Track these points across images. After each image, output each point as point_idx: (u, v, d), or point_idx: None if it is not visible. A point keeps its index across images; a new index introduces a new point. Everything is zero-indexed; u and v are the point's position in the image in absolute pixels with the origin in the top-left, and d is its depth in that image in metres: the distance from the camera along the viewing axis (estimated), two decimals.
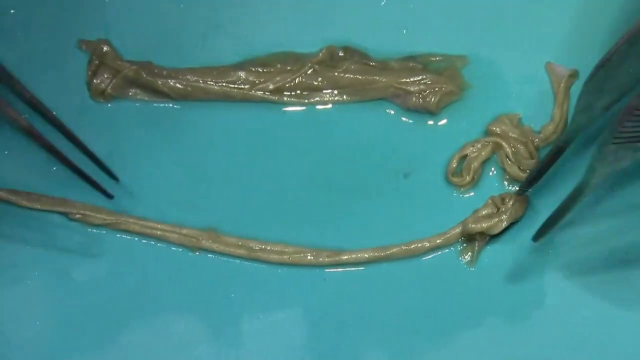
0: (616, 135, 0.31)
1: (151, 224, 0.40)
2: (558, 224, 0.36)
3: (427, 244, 0.39)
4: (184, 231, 0.40)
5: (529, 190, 0.38)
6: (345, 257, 0.39)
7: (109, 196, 0.40)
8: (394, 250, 0.39)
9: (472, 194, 0.40)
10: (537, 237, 0.36)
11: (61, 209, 0.40)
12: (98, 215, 0.40)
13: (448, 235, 0.39)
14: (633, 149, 0.32)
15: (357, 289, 0.39)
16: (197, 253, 0.39)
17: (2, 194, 0.40)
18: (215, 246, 0.39)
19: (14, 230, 0.40)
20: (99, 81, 0.41)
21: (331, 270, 0.39)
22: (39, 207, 0.40)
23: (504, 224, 0.38)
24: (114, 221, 0.40)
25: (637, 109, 0.29)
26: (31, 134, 0.37)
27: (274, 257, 0.39)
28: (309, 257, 0.39)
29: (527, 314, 0.38)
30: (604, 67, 0.31)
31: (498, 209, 0.38)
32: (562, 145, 0.36)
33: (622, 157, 0.32)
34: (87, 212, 0.40)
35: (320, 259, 0.39)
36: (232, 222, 0.40)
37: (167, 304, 0.38)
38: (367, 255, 0.39)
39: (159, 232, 0.39)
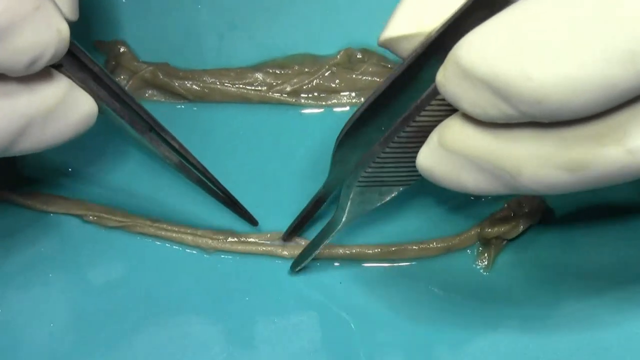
0: (360, 179, 0.32)
1: (166, 226, 0.40)
2: (312, 255, 0.37)
3: (442, 244, 0.39)
4: (200, 232, 0.39)
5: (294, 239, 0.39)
6: (357, 249, 0.39)
7: (255, 223, 0.40)
8: (409, 247, 0.39)
9: (489, 197, 0.39)
10: (294, 267, 0.38)
11: (77, 212, 0.40)
12: (114, 218, 0.40)
13: (463, 237, 0.39)
14: (378, 192, 0.33)
15: (372, 292, 0.38)
16: (213, 254, 0.39)
17: (17, 198, 0.40)
18: (233, 247, 0.39)
19: (29, 231, 0.40)
20: None
21: (346, 271, 0.39)
22: (54, 209, 0.40)
23: (521, 228, 0.38)
24: (130, 223, 0.39)
25: (379, 157, 0.31)
26: (182, 169, 0.37)
27: (286, 253, 0.39)
28: (326, 251, 0.39)
29: (545, 318, 0.37)
30: (355, 123, 0.33)
31: (514, 214, 0.38)
32: (321, 196, 0.37)
33: (369, 200, 0.34)
34: (103, 214, 0.40)
35: (334, 251, 0.39)
36: (248, 223, 0.40)
37: (182, 306, 0.38)
38: (378, 250, 0.39)
39: (174, 235, 0.39)
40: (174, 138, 0.37)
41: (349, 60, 0.41)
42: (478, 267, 0.38)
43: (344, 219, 0.35)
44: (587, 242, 0.38)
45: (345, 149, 0.34)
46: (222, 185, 0.39)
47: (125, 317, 0.38)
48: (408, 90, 0.30)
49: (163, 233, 0.39)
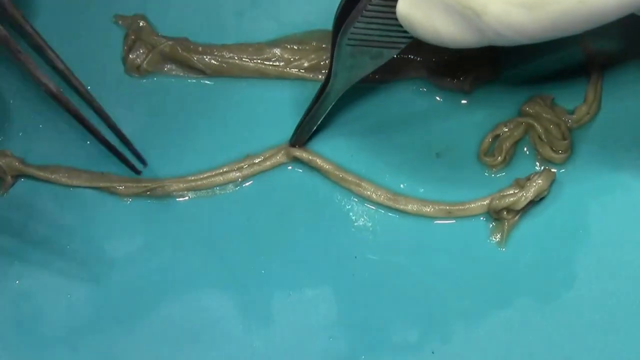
0: (349, 37, 0.33)
1: (193, 177, 0.40)
2: (309, 128, 0.39)
3: (452, 207, 0.39)
4: (225, 168, 0.40)
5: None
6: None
7: (137, 172, 0.40)
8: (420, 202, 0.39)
9: (503, 174, 0.40)
10: (292, 141, 0.40)
11: (102, 184, 0.40)
12: (140, 185, 0.40)
13: (473, 205, 0.39)
14: (369, 54, 0.34)
15: (385, 266, 0.38)
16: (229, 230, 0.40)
17: (41, 173, 0.40)
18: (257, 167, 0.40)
19: (47, 205, 0.40)
20: (134, 56, 0.42)
21: (359, 245, 0.39)
22: (78, 183, 0.40)
23: (529, 198, 0.38)
24: (157, 186, 0.40)
25: (366, 10, 0.32)
26: (59, 100, 0.36)
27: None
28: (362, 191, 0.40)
29: (560, 296, 0.37)
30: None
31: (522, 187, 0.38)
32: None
33: (360, 64, 0.35)
34: (129, 184, 0.40)
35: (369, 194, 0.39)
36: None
37: (199, 280, 0.38)
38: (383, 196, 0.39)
39: (203, 182, 0.40)
40: (57, 58, 0.37)
41: None
42: (493, 242, 0.39)
43: (336, 85, 0.36)
44: (601, 220, 0.39)
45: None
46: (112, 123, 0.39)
47: (143, 289, 0.38)
48: None
49: (193, 184, 0.40)
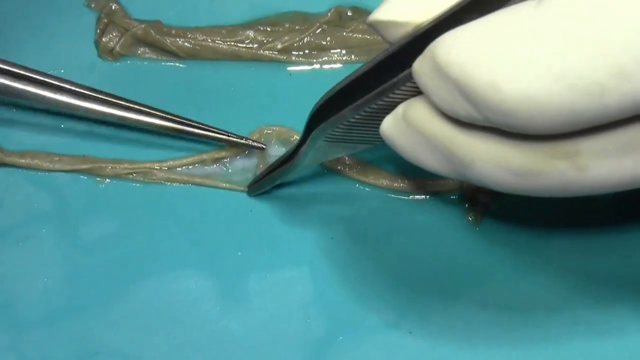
0: (327, 136, 0.33)
1: (172, 162, 0.40)
2: (267, 185, 0.39)
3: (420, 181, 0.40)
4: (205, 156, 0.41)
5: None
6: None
7: (261, 147, 0.40)
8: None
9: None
10: (250, 191, 0.40)
11: (84, 167, 0.40)
12: (126, 166, 0.40)
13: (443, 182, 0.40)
14: (343, 147, 0.34)
15: (363, 246, 0.39)
16: (207, 213, 0.40)
17: (22, 161, 0.40)
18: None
19: (21, 188, 0.40)
20: (107, 39, 0.42)
21: (337, 226, 0.39)
22: (60, 167, 0.40)
23: None
24: (140, 167, 0.40)
25: (348, 120, 0.31)
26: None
27: None
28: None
29: (533, 272, 0.38)
30: (330, 98, 0.33)
31: None
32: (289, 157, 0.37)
33: (333, 151, 0.35)
34: (114, 165, 0.40)
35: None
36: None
37: (175, 262, 0.38)
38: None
39: (185, 177, 0.40)
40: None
41: (339, 18, 0.41)
42: (467, 222, 0.39)
43: (305, 162, 0.36)
44: (578, 199, 0.39)
45: (318, 122, 0.34)
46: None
47: (118, 272, 0.38)
48: (387, 77, 0.29)
49: (173, 177, 0.40)
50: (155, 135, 0.41)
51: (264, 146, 0.40)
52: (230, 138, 0.40)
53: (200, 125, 0.40)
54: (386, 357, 0.36)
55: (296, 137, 0.40)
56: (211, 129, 0.40)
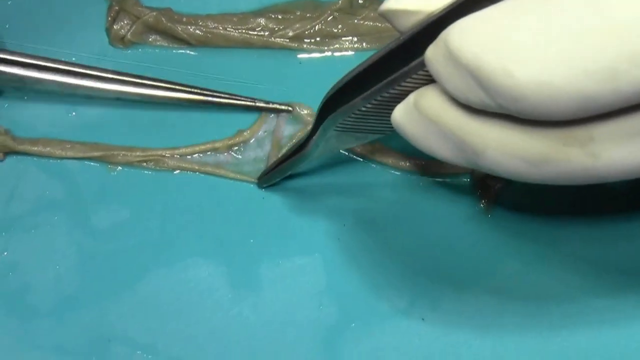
0: (338, 125, 0.33)
1: (184, 149, 0.40)
2: (277, 176, 0.39)
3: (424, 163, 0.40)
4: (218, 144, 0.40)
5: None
6: None
7: (288, 110, 0.41)
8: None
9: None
10: (260, 183, 0.40)
11: (96, 154, 0.40)
12: (138, 154, 0.40)
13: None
14: (354, 136, 0.34)
15: (376, 235, 0.39)
16: (220, 201, 0.40)
17: (34, 148, 0.40)
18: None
19: (33, 176, 0.40)
20: (118, 27, 0.41)
21: (349, 216, 0.39)
22: (72, 155, 0.40)
23: None
24: (152, 155, 0.40)
25: (359, 109, 0.31)
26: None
27: None
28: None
29: (545, 259, 0.38)
30: (341, 88, 0.33)
31: None
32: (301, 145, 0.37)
33: (344, 141, 0.34)
34: (125, 152, 0.40)
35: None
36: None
37: (187, 250, 0.38)
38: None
39: (196, 166, 0.40)
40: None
41: (350, 6, 0.41)
42: (480, 208, 0.39)
43: (315, 153, 0.36)
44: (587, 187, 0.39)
45: (329, 112, 0.34)
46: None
47: (130, 260, 0.38)
48: (398, 65, 0.29)
49: (185, 165, 0.40)
50: (168, 120, 0.41)
51: (291, 109, 0.40)
52: (257, 104, 0.40)
53: (226, 95, 0.40)
54: (398, 343, 0.37)
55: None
56: (236, 97, 0.40)
